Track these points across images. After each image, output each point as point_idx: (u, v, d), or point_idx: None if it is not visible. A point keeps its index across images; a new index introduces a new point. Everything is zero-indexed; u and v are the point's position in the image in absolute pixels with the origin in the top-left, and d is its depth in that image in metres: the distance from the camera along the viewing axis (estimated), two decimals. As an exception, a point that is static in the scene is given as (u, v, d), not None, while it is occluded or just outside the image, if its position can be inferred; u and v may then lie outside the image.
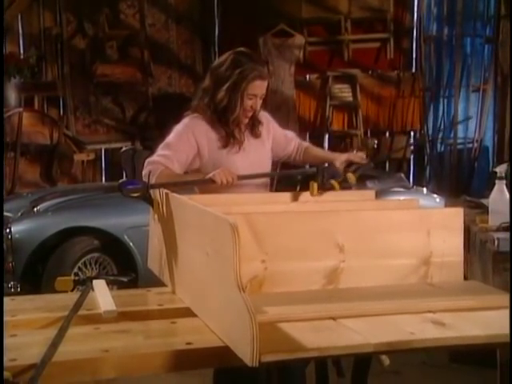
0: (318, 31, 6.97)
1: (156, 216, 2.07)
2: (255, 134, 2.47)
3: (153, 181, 2.12)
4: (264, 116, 2.53)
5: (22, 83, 6.52)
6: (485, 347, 2.05)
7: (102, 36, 6.78)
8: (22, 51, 6.77)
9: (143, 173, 2.28)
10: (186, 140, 2.37)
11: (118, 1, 6.90)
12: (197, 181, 2.33)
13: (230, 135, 2.38)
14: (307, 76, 7.08)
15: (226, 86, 2.32)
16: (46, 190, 5.67)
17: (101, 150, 7.02)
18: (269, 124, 2.54)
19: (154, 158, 2.32)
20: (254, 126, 2.45)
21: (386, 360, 2.13)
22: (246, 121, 2.42)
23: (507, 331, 1.54)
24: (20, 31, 6.78)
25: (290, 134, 2.68)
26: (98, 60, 6.83)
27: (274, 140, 2.56)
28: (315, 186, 2.27)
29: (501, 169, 2.60)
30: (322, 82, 6.99)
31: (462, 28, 6.53)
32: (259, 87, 2.35)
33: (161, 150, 2.35)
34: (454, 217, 1.97)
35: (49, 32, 6.79)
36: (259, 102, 2.38)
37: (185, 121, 2.45)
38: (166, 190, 2.00)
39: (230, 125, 2.38)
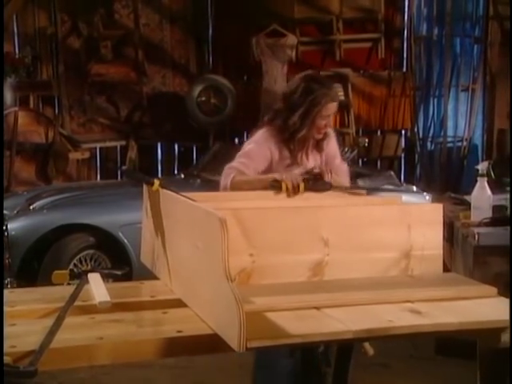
0: (310, 31, 7.06)
1: (148, 211, 2.15)
2: (319, 148, 2.61)
3: (227, 182, 2.44)
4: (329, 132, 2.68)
5: (17, 82, 6.58)
6: (466, 337, 2.15)
7: (97, 36, 6.85)
8: (17, 51, 6.83)
9: (222, 176, 2.52)
10: (263, 151, 2.54)
11: (113, 1, 6.96)
12: (263, 179, 2.45)
13: (298, 154, 2.54)
14: (300, 75, 7.16)
15: (299, 112, 2.49)
16: (42, 188, 5.74)
17: (95, 148, 7.09)
18: (329, 140, 2.67)
19: (233, 164, 2.53)
20: (321, 140, 2.59)
21: (370, 350, 2.22)
22: (320, 137, 2.57)
23: (480, 319, 1.64)
24: (15, 31, 6.84)
25: (343, 166, 2.79)
26: (93, 59, 6.90)
27: (327, 156, 2.69)
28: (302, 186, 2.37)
29: (482, 166, 2.69)
30: (314, 81, 7.07)
31: (452, 28, 6.62)
32: (331, 109, 2.53)
33: (239, 158, 2.55)
34: (434, 212, 2.05)
35: (44, 32, 6.86)
36: (331, 118, 2.57)
37: (263, 134, 2.59)
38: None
39: (299, 144, 2.54)
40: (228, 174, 2.48)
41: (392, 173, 5.44)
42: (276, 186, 2.38)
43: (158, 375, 3.53)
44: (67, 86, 6.92)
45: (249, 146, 2.58)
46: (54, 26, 6.87)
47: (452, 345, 3.43)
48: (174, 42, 7.26)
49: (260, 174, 2.52)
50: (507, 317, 1.65)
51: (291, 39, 6.88)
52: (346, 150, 5.90)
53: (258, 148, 2.54)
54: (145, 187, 2.15)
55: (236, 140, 7.30)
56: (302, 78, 2.54)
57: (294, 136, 2.51)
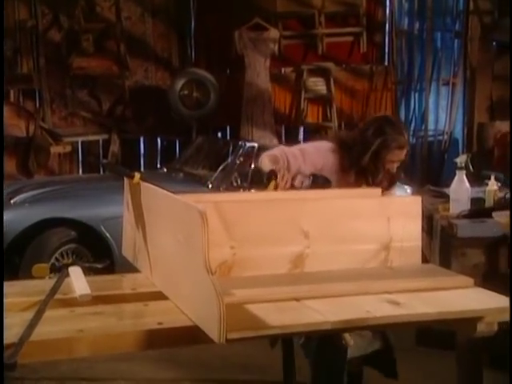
0: (292, 25, 7.07)
1: (129, 204, 2.15)
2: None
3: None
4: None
5: (-3, 76, 6.51)
6: (446, 328, 2.18)
7: (78, 29, 6.80)
8: (-3, 43, 6.75)
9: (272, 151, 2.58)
10: (314, 159, 2.57)
11: (94, -7, 6.92)
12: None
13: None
14: (282, 69, 7.18)
15: (369, 154, 2.54)
16: (23, 182, 5.70)
17: (77, 142, 7.05)
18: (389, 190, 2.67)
19: (286, 148, 2.60)
20: (378, 183, 2.59)
21: (350, 341, 2.25)
22: (380, 177, 2.59)
23: (457, 309, 1.66)
24: (-5, 23, 6.77)
25: None
26: (74, 53, 6.85)
27: None
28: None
29: (461, 160, 2.72)
30: (296, 75, 7.09)
31: (433, 23, 6.67)
32: (397, 155, 2.58)
33: (294, 148, 2.61)
34: (413, 204, 2.08)
35: (24, 24, 6.79)
36: (396, 165, 2.60)
37: (328, 146, 2.63)
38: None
39: (355, 176, 2.58)
40: (281, 151, 2.52)
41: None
42: (271, 177, 2.41)
43: (141, 368, 3.53)
44: (48, 79, 6.87)
45: (308, 147, 2.64)
46: (35, 18, 6.80)
47: (433, 335, 3.47)
48: (156, 36, 7.23)
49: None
50: (483, 306, 1.68)
51: (273, 33, 6.89)
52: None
53: (315, 151, 2.59)
54: (126, 180, 2.15)
55: (219, 134, 7.30)
56: (378, 118, 2.63)
57: (354, 167, 2.57)
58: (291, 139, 7.22)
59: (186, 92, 6.86)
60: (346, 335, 2.22)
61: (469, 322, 1.67)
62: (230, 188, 4.81)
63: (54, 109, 6.97)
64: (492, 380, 3.04)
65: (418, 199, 2.10)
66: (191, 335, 1.57)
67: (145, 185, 2.02)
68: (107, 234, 4.41)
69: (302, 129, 7.21)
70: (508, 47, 6.24)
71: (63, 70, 6.86)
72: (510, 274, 2.40)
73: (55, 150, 6.67)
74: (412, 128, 6.92)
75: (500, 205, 2.80)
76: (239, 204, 2.01)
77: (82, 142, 7.08)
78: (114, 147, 7.03)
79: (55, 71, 6.88)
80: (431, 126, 6.84)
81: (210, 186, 4.84)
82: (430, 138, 6.80)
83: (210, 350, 3.60)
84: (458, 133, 6.87)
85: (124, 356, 3.49)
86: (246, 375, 3.42)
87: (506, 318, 1.68)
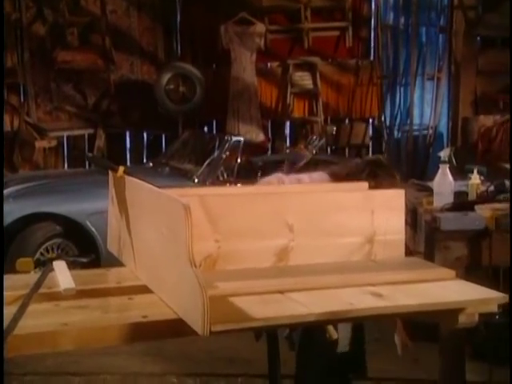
0: (278, 19, 7.07)
1: (114, 198, 2.15)
2: None
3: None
4: None
5: (-20, 70, 6.46)
6: (431, 320, 2.20)
7: (63, 22, 6.76)
8: (-20, 37, 6.69)
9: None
10: None
11: (78, -13, 6.87)
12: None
13: None
14: (268, 64, 7.18)
15: None
16: (8, 176, 5.66)
17: (63, 136, 7.01)
18: None
19: (284, 176, 2.58)
20: None
21: (334, 334, 2.26)
22: None
23: (438, 301, 1.68)
24: (-22, 17, 6.70)
25: None
26: (59, 46, 6.81)
27: None
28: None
29: (444, 153, 2.74)
30: (282, 69, 7.10)
31: (418, 18, 6.70)
32: None
33: (292, 177, 2.59)
34: (396, 198, 2.09)
35: (8, 18, 6.73)
36: None
37: (321, 177, 2.61)
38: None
39: None
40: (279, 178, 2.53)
41: (359, 160, 5.49)
42: None
43: (127, 363, 3.54)
44: (33, 73, 6.82)
45: (305, 177, 2.62)
46: (19, 11, 6.75)
47: (418, 328, 3.50)
48: (141, 30, 7.20)
49: None
50: (464, 298, 1.70)
51: (260, 27, 6.89)
52: (314, 138, 5.95)
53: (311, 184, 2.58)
54: (110, 174, 2.14)
55: (205, 128, 7.29)
56: (371, 162, 2.63)
57: None
58: (277, 134, 7.24)
59: (171, 86, 6.84)
60: (330, 328, 2.23)
61: (451, 313, 1.69)
62: (216, 182, 4.81)
63: (38, 103, 6.93)
64: (475, 371, 3.09)
65: (402, 192, 2.12)
66: (176, 328, 1.58)
67: (129, 178, 2.02)
68: (93, 229, 4.40)
69: (288, 123, 7.23)
70: (492, 42, 6.30)
71: (48, 63, 6.82)
72: (510, 272, 2.43)
73: (40, 144, 6.63)
74: (397, 122, 6.96)
75: (483, 198, 2.83)
76: (224, 198, 2.01)
77: (68, 137, 7.05)
78: (100, 142, 7.00)
79: (40, 65, 6.83)
80: (416, 120, 6.88)
81: (196, 180, 4.84)
82: (415, 133, 6.84)
83: (196, 344, 3.63)
84: (443, 127, 6.92)
85: (110, 350, 3.51)
86: (232, 369, 3.44)
87: (487, 309, 1.70)
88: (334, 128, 6.73)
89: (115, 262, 2.18)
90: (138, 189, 1.95)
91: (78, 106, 7.02)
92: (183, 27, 7.23)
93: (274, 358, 2.22)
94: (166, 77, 6.83)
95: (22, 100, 6.84)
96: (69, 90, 6.99)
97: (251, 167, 5.47)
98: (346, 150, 7.20)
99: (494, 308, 1.70)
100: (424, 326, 3.44)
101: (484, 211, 2.60)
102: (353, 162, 2.75)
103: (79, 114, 7.04)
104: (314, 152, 5.28)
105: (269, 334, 2.13)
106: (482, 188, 2.91)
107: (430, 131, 6.75)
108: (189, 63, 7.01)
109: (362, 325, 2.36)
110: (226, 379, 3.33)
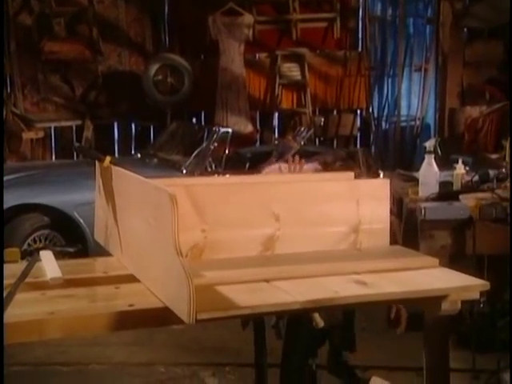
0: (266, 10, 7.06)
1: (101, 189, 2.16)
2: None
3: None
4: None
5: (-33, 60, 6.41)
6: (417, 310, 2.22)
7: (49, 12, 6.71)
8: (-34, 27, 6.64)
9: None
10: None
11: (65, -23, 6.83)
12: None
13: None
14: (257, 55, 7.17)
15: None
16: (-6, 168, 5.63)
17: (50, 128, 6.98)
18: None
19: (282, 165, 2.77)
20: None
21: (320, 322, 2.29)
22: None
23: (421, 288, 1.71)
24: (-36, 7, 6.64)
25: None
26: (46, 37, 6.76)
27: None
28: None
29: (429, 144, 2.77)
30: (271, 60, 7.09)
31: (405, 9, 6.71)
32: None
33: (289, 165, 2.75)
34: (381, 187, 2.11)
35: (-7, 8, 6.68)
36: None
37: (315, 167, 2.83)
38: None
39: None
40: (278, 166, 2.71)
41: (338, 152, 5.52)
42: None
43: (114, 353, 3.55)
44: (19, 64, 6.78)
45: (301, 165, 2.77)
46: (5, 1, 6.69)
47: (405, 318, 3.54)
48: (129, 20, 7.16)
49: None
50: (447, 285, 1.72)
51: (248, 18, 6.87)
52: (303, 129, 5.96)
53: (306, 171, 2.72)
54: (97, 164, 2.15)
55: (194, 119, 7.29)
56: (340, 155, 2.79)
57: None
58: (266, 125, 7.24)
59: (160, 77, 6.83)
60: (316, 316, 2.26)
61: (434, 300, 1.71)
62: (205, 173, 4.82)
63: (25, 94, 6.89)
64: (459, 359, 3.13)
65: (387, 182, 2.14)
66: (162, 316, 1.59)
67: (115, 168, 2.02)
68: (80, 220, 4.40)
69: (276, 114, 7.23)
70: (479, 33, 6.33)
71: (35, 54, 6.78)
72: (511, 269, 2.46)
73: (27, 135, 6.59)
74: (385, 114, 6.99)
75: (467, 188, 2.86)
76: (210, 187, 2.02)
77: (55, 128, 7.02)
78: (88, 133, 6.97)
79: (26, 56, 6.79)
80: (404, 111, 6.91)
81: (184, 171, 4.84)
82: (403, 124, 6.88)
83: (185, 334, 3.64)
84: (430, 118, 6.96)
85: (98, 341, 3.52)
86: (220, 358, 3.46)
87: (469, 296, 1.73)
88: (322, 119, 6.75)
89: (103, 253, 2.19)
90: (125, 179, 1.95)
91: (66, 97, 6.99)
92: (171, 18, 7.20)
93: (260, 347, 2.23)
94: (154, 68, 6.81)
95: (9, 91, 6.79)
96: (56, 80, 6.95)
97: (239, 158, 5.47)
98: (335, 141, 7.22)
99: (476, 295, 1.73)
100: (409, 315, 3.49)
101: (468, 201, 2.63)
102: (329, 154, 2.84)
103: (67, 105, 7.01)
104: (302, 143, 5.29)
105: (255, 322, 2.14)
106: (467, 178, 2.94)
107: (418, 122, 6.79)
108: (177, 54, 6.99)
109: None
110: (214, 368, 3.35)
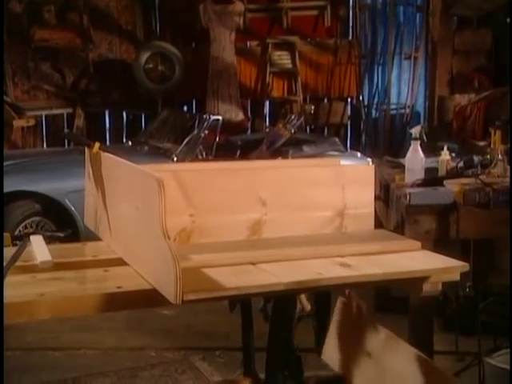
0: (257, -2, 7.06)
1: (91, 175, 2.19)
2: None
3: None
4: None
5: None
6: (403, 294, 2.26)
7: (39, 0, 6.68)
8: (-45, 15, 6.60)
9: None
10: None
11: (55, -37, 6.79)
12: None
13: None
14: (247, 43, 7.17)
15: None
16: (-15, 156, 5.63)
17: (41, 116, 6.97)
18: None
19: None
20: None
21: (307, 306, 2.32)
22: None
23: (403, 270, 1.75)
24: (-47, -6, 6.60)
25: None
26: (36, 24, 6.73)
27: None
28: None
29: (415, 130, 2.81)
30: (262, 49, 7.10)
31: (395, -3, 6.74)
32: None
33: None
34: (366, 173, 2.15)
35: (-18, -5, 6.65)
36: None
37: None
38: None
39: None
40: None
41: (337, 139, 5.56)
42: None
43: (105, 338, 3.59)
44: (9, 51, 6.75)
45: None
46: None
47: (390, 302, 3.59)
48: (120, 8, 7.14)
49: None
50: (428, 267, 1.77)
51: (239, 6, 6.87)
52: (293, 117, 5.98)
53: None
54: (86, 151, 2.17)
55: (185, 108, 7.29)
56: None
57: None
58: (257, 113, 7.26)
59: (150, 65, 6.82)
60: (303, 300, 2.29)
61: (415, 281, 1.76)
62: (195, 161, 4.84)
63: (16, 82, 6.87)
64: (444, 342, 3.19)
65: (371, 168, 2.18)
66: (149, 298, 1.63)
67: (104, 155, 2.05)
68: (71, 207, 4.42)
69: (267, 102, 7.25)
70: (468, 22, 6.36)
71: (25, 42, 6.75)
72: (511, 265, 2.50)
73: (18, 123, 6.58)
74: (375, 102, 7.02)
75: (452, 173, 2.91)
76: (198, 172, 2.06)
77: (46, 116, 7.00)
78: (79, 121, 6.97)
79: (17, 43, 6.76)
80: (394, 99, 6.95)
81: (175, 158, 4.87)
82: (393, 112, 6.91)
83: (175, 319, 3.68)
84: (420, 106, 7.00)
85: (89, 326, 3.55)
86: (209, 342, 3.51)
87: (450, 277, 1.78)
88: (313, 107, 6.77)
89: (94, 240, 2.22)
90: (114, 164, 1.98)
91: (57, 85, 6.98)
92: (162, 5, 7.19)
93: (247, 329, 2.28)
94: (144, 56, 6.80)
95: (-1, 79, 6.77)
96: (46, 68, 6.93)
97: (230, 146, 5.50)
98: (325, 129, 7.25)
99: (457, 276, 1.78)
100: (392, 299, 3.54)
101: (453, 186, 2.68)
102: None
103: (57, 93, 6.99)
104: (293, 131, 5.32)
105: (242, 305, 2.18)
106: (452, 164, 2.98)
107: (407, 110, 6.83)
108: (168, 42, 6.98)
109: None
110: (203, 353, 3.39)
